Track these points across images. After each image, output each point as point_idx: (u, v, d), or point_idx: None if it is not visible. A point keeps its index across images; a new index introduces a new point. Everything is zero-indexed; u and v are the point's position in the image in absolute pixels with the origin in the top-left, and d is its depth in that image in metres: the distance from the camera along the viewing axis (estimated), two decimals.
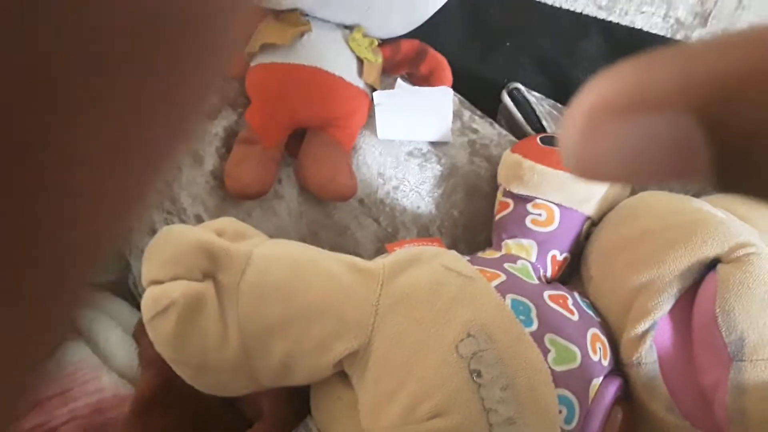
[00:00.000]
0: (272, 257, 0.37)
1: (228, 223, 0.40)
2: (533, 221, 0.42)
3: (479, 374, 0.33)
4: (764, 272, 0.35)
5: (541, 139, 0.45)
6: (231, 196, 0.45)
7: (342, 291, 0.36)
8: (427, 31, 0.52)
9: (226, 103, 0.49)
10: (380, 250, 0.46)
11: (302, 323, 0.35)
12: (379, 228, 0.47)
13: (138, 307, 0.48)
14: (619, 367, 0.38)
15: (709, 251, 0.37)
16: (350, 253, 0.39)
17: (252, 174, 0.44)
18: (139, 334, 0.44)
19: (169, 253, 0.36)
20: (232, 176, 0.45)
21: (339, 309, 0.35)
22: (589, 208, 0.43)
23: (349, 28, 0.49)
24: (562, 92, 0.58)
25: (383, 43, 0.51)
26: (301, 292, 0.35)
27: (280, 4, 0.46)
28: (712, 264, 0.37)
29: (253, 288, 0.36)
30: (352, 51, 0.48)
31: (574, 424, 0.34)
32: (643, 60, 0.10)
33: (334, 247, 0.39)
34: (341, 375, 0.36)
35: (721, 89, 0.09)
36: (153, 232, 0.46)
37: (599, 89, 0.10)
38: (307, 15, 0.47)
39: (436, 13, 0.50)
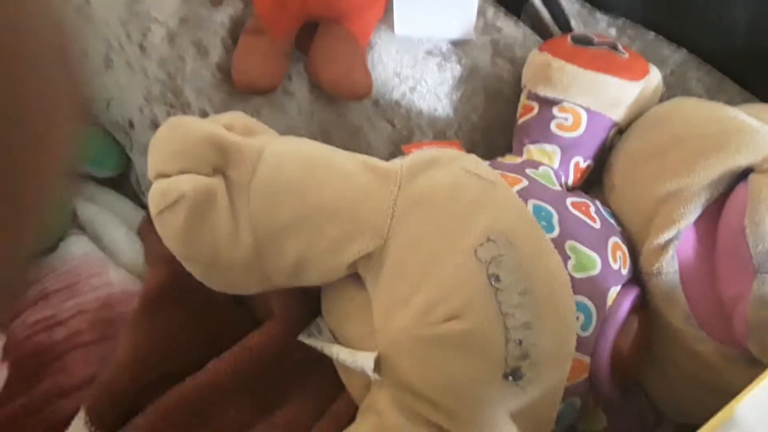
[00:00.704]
0: (285, 154, 0.35)
1: (237, 117, 0.38)
2: (558, 126, 0.40)
3: (497, 278, 0.32)
4: None
5: (572, 37, 0.42)
6: (238, 91, 0.43)
7: (358, 191, 0.34)
8: None
9: None
10: (394, 154, 0.44)
11: (316, 223, 0.34)
12: (393, 130, 0.45)
13: (141, 205, 0.46)
14: (638, 277, 0.37)
15: (742, 160, 0.35)
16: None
17: (260, 67, 0.42)
18: (144, 231, 0.43)
19: (177, 145, 0.35)
20: (240, 69, 0.42)
21: (354, 209, 0.34)
22: (618, 113, 0.41)
23: None
24: None
25: None
26: (315, 190, 0.34)
27: None
28: (743, 174, 0.36)
29: (264, 185, 0.34)
30: None
31: (590, 331, 0.34)
32: None
33: (345, 149, 0.37)
34: (354, 276, 0.36)
35: None
36: (155, 126, 0.43)
37: None
38: None
39: None
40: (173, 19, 0.43)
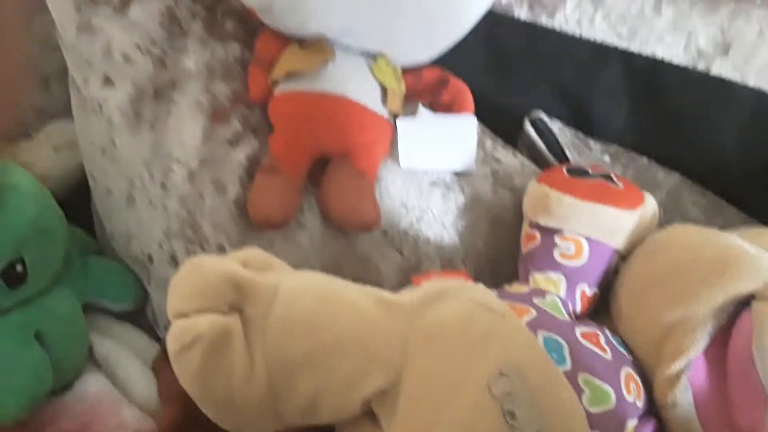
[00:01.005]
0: (299, 290, 0.36)
1: (253, 253, 0.39)
2: (561, 255, 0.42)
3: (513, 416, 0.32)
4: None
5: (567, 169, 0.45)
6: (254, 225, 0.45)
7: (370, 326, 0.35)
8: (447, 60, 0.52)
9: (249, 130, 0.49)
10: (403, 282, 0.46)
11: (330, 359, 0.34)
12: (402, 259, 0.47)
13: (156, 338, 0.47)
14: (653, 408, 0.37)
15: (743, 287, 0.36)
16: (373, 285, 0.39)
17: (275, 203, 0.44)
18: (158, 367, 0.43)
19: (196, 284, 0.36)
20: (255, 206, 0.44)
21: (367, 345, 0.34)
22: (618, 242, 0.42)
23: (373, 56, 0.49)
24: (581, 122, 0.58)
25: (405, 71, 0.51)
26: (329, 326, 0.35)
27: (305, 30, 0.46)
28: (746, 300, 0.37)
29: (280, 321, 0.35)
30: (376, 79, 0.48)
31: None
32: None
33: (356, 279, 0.39)
34: (369, 415, 0.35)
35: None
36: (173, 261, 0.45)
37: None
38: (331, 43, 0.47)
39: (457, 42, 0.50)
40: (194, 159, 0.46)
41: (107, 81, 0.48)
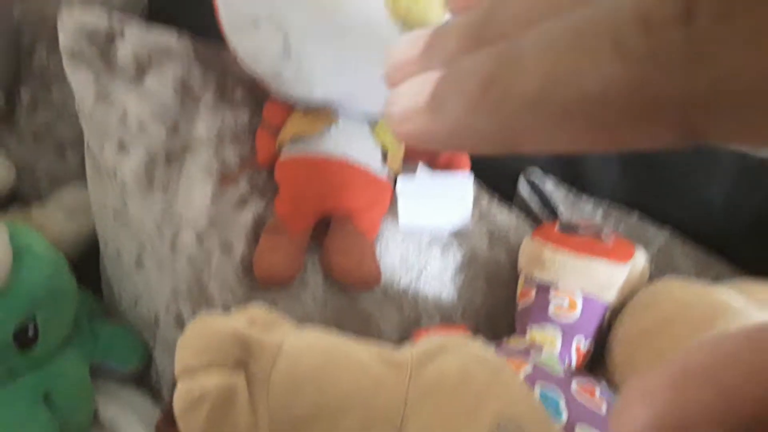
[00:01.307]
0: (303, 347, 0.38)
1: (258, 311, 0.41)
2: (556, 308, 0.43)
3: None
4: None
5: (560, 225, 0.47)
6: (259, 284, 0.46)
7: (372, 382, 0.36)
8: None
9: (256, 192, 0.51)
10: (404, 338, 0.47)
11: (333, 414, 0.35)
12: (402, 316, 0.48)
13: (159, 400, 0.48)
14: None
15: None
16: (374, 341, 0.40)
17: (280, 263, 0.46)
18: (161, 429, 0.44)
19: (203, 341, 0.37)
20: (261, 264, 0.46)
21: (369, 400, 0.35)
22: (610, 295, 0.44)
23: (374, 119, 0.52)
24: (574, 178, 0.61)
25: None
26: (333, 382, 0.36)
27: (310, 98, 0.49)
28: None
29: (284, 378, 0.36)
30: (377, 140, 0.51)
31: None
32: (673, 374, 0.10)
33: (358, 335, 0.40)
34: None
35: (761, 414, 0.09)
36: (179, 322, 0.46)
37: (635, 420, 0.11)
38: (334, 109, 0.50)
39: None
40: (203, 220, 0.48)
41: (122, 147, 0.51)
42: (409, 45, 0.13)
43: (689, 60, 0.09)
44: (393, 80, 0.13)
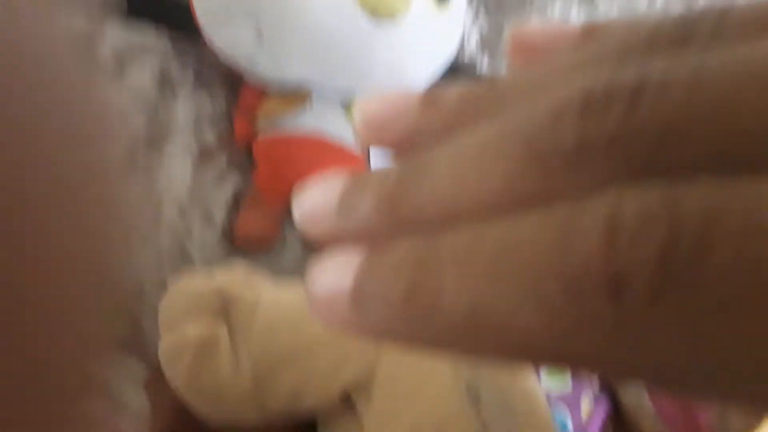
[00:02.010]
0: (281, 296, 0.40)
1: (238, 270, 0.44)
2: None
3: (478, 398, 0.35)
4: None
5: None
6: (239, 251, 0.49)
7: None
8: None
9: (235, 167, 0.54)
10: None
11: (309, 353, 0.37)
12: None
13: (148, 364, 0.50)
14: (607, 387, 0.40)
15: None
16: None
17: (260, 226, 0.48)
18: (150, 384, 0.46)
19: (184, 297, 0.40)
20: (241, 229, 0.49)
21: (343, 342, 0.38)
22: None
23: (347, 102, 0.55)
24: None
25: None
26: (308, 323, 0.38)
27: (284, 82, 0.52)
28: None
29: (264, 323, 0.39)
30: (349, 121, 0.54)
31: None
32: None
33: None
34: (347, 402, 0.38)
35: None
36: (164, 287, 0.49)
37: None
38: (308, 90, 0.53)
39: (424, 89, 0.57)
40: (184, 195, 0.51)
41: None
42: (322, 193, 0.12)
43: (615, 337, 0.08)
44: (308, 229, 0.13)
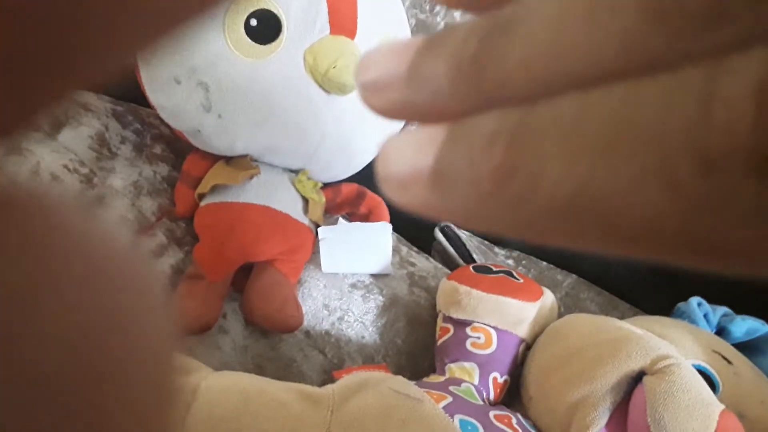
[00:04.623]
0: (220, 389, 0.37)
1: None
2: (473, 344, 0.45)
3: None
4: (686, 381, 0.38)
5: (474, 267, 0.49)
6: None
7: (292, 420, 0.35)
8: (365, 174, 0.57)
9: (173, 241, 0.50)
10: (326, 382, 0.46)
11: None
12: (325, 359, 0.48)
13: None
14: None
15: (634, 364, 0.40)
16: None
17: (197, 309, 0.45)
18: None
19: None
20: (178, 310, 0.45)
21: None
22: (523, 330, 0.46)
23: (295, 171, 0.53)
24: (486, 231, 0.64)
25: (325, 186, 0.55)
26: (251, 423, 0.35)
27: (232, 150, 0.50)
28: (638, 377, 0.40)
29: (200, 422, 0.35)
30: (298, 192, 0.52)
31: None
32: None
33: (280, 380, 0.40)
34: None
35: None
36: None
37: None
38: (256, 160, 0.51)
39: (372, 160, 0.56)
40: None
41: None
42: (389, 58, 0.11)
43: (761, 219, 0.07)
44: (371, 101, 0.11)
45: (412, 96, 0.10)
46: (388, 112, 0.11)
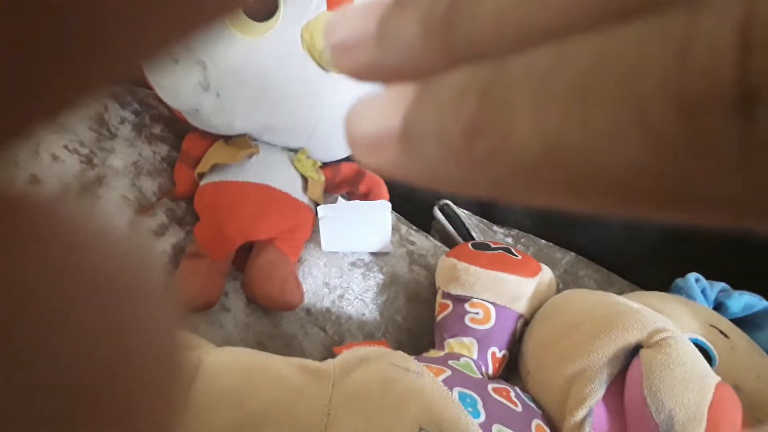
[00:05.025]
0: (221, 363, 0.37)
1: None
2: (472, 320, 0.45)
3: None
4: (683, 353, 0.39)
5: (472, 244, 0.49)
6: None
7: (293, 393, 0.36)
8: None
9: (174, 221, 0.51)
10: (327, 358, 0.47)
11: (256, 428, 0.34)
12: (326, 336, 0.48)
13: None
14: None
15: (631, 338, 0.41)
16: None
17: (198, 288, 0.45)
18: None
19: None
20: (179, 289, 0.45)
21: (291, 411, 0.35)
22: (521, 306, 0.46)
23: (294, 150, 0.53)
24: (485, 209, 0.64)
25: (324, 165, 0.55)
26: (252, 396, 0.36)
27: (231, 129, 0.50)
28: (635, 350, 0.41)
29: (202, 395, 0.35)
30: (297, 170, 0.52)
31: None
32: None
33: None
34: None
35: None
36: None
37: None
38: (255, 139, 0.51)
39: None
40: None
41: (33, 179, 0.50)
42: (358, 17, 0.10)
43: (743, 164, 0.07)
44: (341, 62, 0.11)
45: (382, 56, 0.10)
46: (359, 73, 0.10)
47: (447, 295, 0.47)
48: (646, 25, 0.07)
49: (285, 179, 0.51)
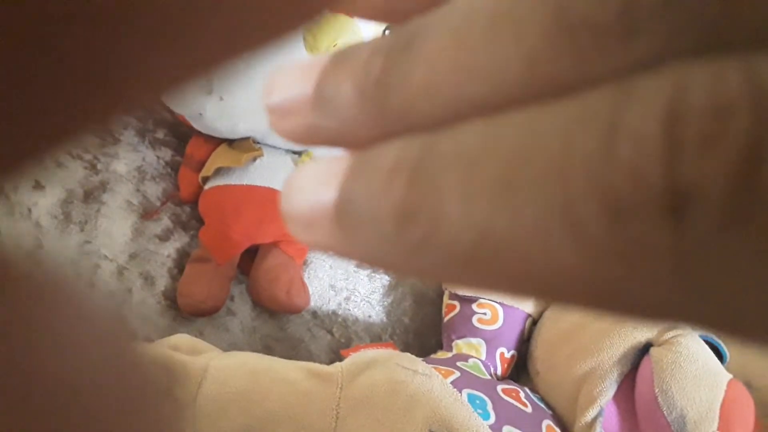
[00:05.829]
0: (229, 368, 0.37)
1: (182, 339, 0.40)
2: (479, 320, 0.45)
3: None
4: (693, 351, 0.39)
5: None
6: (183, 315, 0.45)
7: (301, 397, 0.36)
8: None
9: (179, 225, 0.51)
10: (334, 361, 0.47)
11: (263, 431, 0.34)
12: (332, 339, 0.48)
13: None
14: None
15: (641, 336, 0.40)
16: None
17: (205, 291, 0.45)
18: None
19: None
20: (185, 294, 0.45)
21: (300, 415, 0.35)
22: (529, 306, 0.46)
23: (298, 153, 0.53)
24: None
25: None
26: (260, 400, 0.35)
27: (234, 133, 0.50)
28: (645, 348, 0.40)
29: (210, 400, 0.35)
30: None
31: None
32: None
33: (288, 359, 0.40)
34: None
35: None
36: None
37: None
38: (258, 142, 0.51)
39: None
40: (122, 254, 0.47)
41: (37, 185, 0.50)
42: (296, 77, 0.10)
43: (674, 273, 0.06)
44: (278, 126, 0.10)
45: (318, 120, 0.09)
46: (297, 137, 0.10)
47: (454, 296, 0.47)
48: (573, 107, 0.07)
49: None
